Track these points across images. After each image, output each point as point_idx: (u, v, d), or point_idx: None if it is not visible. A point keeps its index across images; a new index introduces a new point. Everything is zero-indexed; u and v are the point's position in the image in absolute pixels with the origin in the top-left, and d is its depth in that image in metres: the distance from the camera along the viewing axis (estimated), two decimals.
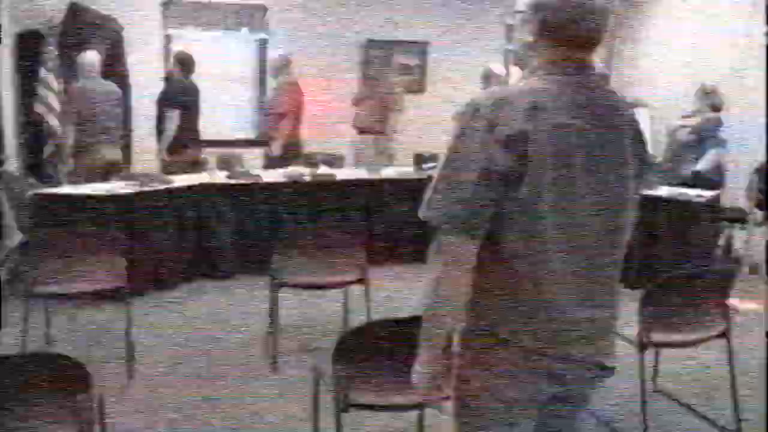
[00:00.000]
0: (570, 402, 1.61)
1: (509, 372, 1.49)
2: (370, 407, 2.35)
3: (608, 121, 1.51)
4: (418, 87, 8.10)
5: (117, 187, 4.90)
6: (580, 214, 1.47)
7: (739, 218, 5.64)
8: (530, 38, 1.52)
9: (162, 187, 5.05)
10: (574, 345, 1.51)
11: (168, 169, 5.81)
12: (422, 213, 1.47)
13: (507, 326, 1.48)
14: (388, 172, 6.01)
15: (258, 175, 5.60)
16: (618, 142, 1.52)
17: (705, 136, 5.56)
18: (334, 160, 6.67)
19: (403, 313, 2.28)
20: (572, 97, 1.47)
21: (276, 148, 6.39)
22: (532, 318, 1.48)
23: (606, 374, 1.59)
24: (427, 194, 1.47)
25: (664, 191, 5.20)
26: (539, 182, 1.41)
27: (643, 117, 1.71)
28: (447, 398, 1.63)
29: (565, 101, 1.46)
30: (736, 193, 5.62)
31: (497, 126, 1.40)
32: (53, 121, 5.94)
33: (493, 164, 1.40)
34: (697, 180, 5.47)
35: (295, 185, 5.54)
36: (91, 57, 5.69)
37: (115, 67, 6.37)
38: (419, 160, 6.16)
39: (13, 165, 5.80)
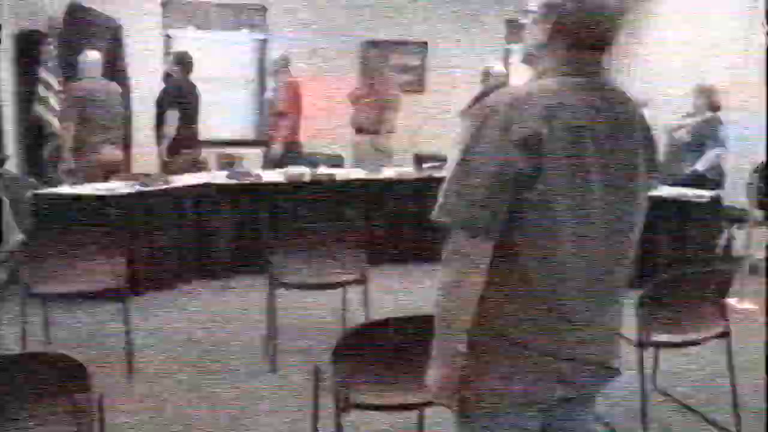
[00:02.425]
0: (577, 404, 1.60)
1: (517, 374, 1.49)
2: (370, 407, 2.35)
3: (621, 122, 1.51)
4: (418, 87, 8.11)
5: (117, 187, 4.90)
6: (593, 215, 1.46)
7: (739, 218, 5.64)
8: (542, 38, 1.51)
9: (162, 187, 5.05)
10: (584, 346, 1.51)
11: (168, 169, 5.81)
12: (435, 215, 1.45)
13: (517, 328, 1.48)
14: (388, 172, 6.01)
15: (258, 175, 5.60)
16: (630, 143, 1.51)
17: (704, 136, 5.57)
18: (333, 160, 6.67)
19: (403, 313, 2.28)
20: (586, 98, 1.46)
21: (276, 148, 6.39)
22: (543, 319, 1.47)
23: (612, 375, 1.59)
24: (440, 196, 1.45)
25: (664, 191, 5.20)
26: (553, 183, 1.40)
27: None
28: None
29: (579, 102, 1.45)
30: (736, 193, 5.61)
31: (512, 127, 1.39)
32: (53, 121, 5.95)
33: (508, 165, 1.39)
34: (697, 180, 5.47)
35: (294, 185, 5.54)
36: (91, 57, 5.69)
37: (115, 67, 6.37)
38: (419, 159, 6.16)
39: (13, 165, 5.80)
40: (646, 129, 1.57)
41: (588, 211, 1.45)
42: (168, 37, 7.30)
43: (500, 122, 1.40)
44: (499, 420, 1.53)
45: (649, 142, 1.57)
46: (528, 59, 1.59)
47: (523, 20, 1.58)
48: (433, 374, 1.55)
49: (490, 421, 1.54)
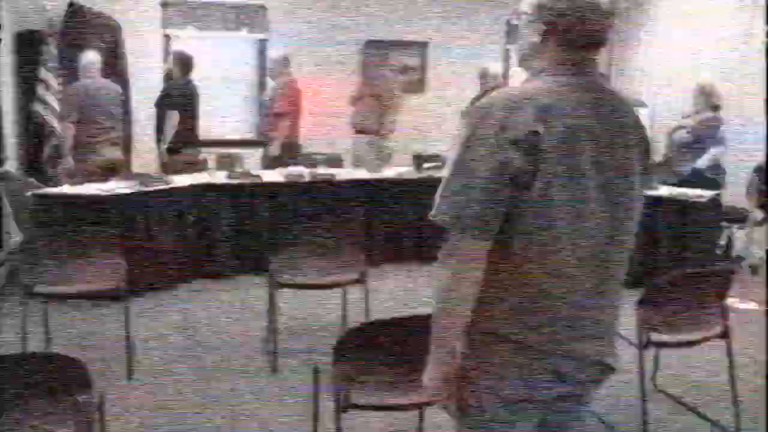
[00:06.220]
0: (573, 401, 1.61)
1: (514, 371, 1.49)
2: (370, 407, 2.35)
3: (615, 121, 1.52)
4: (418, 87, 8.11)
5: (117, 187, 4.90)
6: (589, 214, 1.47)
7: (739, 218, 5.64)
8: (536, 39, 1.53)
9: (162, 187, 5.05)
10: (581, 344, 1.52)
11: (168, 169, 5.81)
12: (432, 214, 1.46)
13: (514, 326, 1.48)
14: (388, 172, 6.01)
15: (258, 175, 5.60)
16: (624, 142, 1.53)
17: (704, 136, 5.56)
18: (333, 160, 6.67)
19: (403, 313, 2.28)
20: (580, 98, 1.48)
21: (275, 148, 6.39)
22: (540, 318, 1.48)
23: (609, 373, 1.60)
24: (438, 195, 1.46)
25: (664, 191, 5.20)
26: (550, 183, 1.41)
27: (642, 117, 1.73)
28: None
29: (574, 102, 1.46)
30: (736, 193, 5.62)
31: (508, 127, 1.40)
32: (53, 121, 5.95)
33: (504, 165, 1.39)
34: (697, 179, 5.47)
35: (294, 185, 5.54)
36: (91, 57, 5.69)
37: (115, 67, 6.37)
38: (419, 160, 6.16)
39: (13, 165, 5.80)
40: (640, 128, 1.59)
41: (584, 210, 1.46)
42: (168, 37, 7.29)
43: (496, 122, 1.41)
44: (496, 418, 1.54)
45: (643, 141, 1.59)
46: (522, 60, 1.60)
47: (516, 22, 1.59)
48: (429, 373, 1.55)
49: (487, 419, 1.54)
